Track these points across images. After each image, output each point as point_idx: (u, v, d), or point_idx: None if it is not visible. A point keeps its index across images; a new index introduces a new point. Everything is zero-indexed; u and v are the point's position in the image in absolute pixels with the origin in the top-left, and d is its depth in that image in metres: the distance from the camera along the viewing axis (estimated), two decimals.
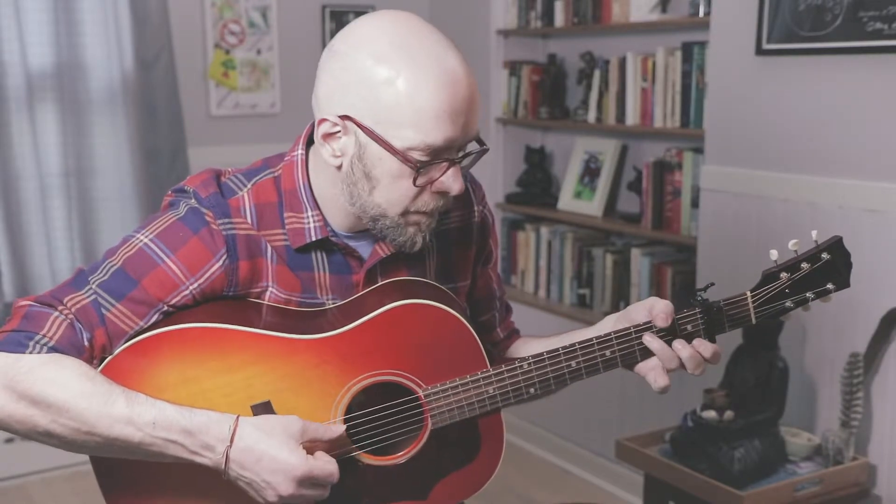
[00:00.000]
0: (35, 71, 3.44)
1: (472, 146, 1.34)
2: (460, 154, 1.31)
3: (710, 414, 2.63)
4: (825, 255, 1.36)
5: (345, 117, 1.28)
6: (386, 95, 1.24)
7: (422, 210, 1.32)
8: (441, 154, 1.28)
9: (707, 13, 3.07)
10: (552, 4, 3.70)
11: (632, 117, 3.42)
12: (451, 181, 1.30)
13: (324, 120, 1.30)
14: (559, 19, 3.67)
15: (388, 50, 1.24)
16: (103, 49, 3.51)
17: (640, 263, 3.39)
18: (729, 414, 2.61)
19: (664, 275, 3.30)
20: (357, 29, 1.28)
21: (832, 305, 2.63)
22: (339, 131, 1.30)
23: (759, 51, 2.78)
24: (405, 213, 1.32)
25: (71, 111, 3.50)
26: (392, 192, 1.30)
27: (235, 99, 3.91)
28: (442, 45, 1.27)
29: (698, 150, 3.16)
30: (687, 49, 3.16)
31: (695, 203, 3.15)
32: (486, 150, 1.35)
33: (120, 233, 3.28)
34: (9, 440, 3.57)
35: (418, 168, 1.27)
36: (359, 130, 1.27)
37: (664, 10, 3.31)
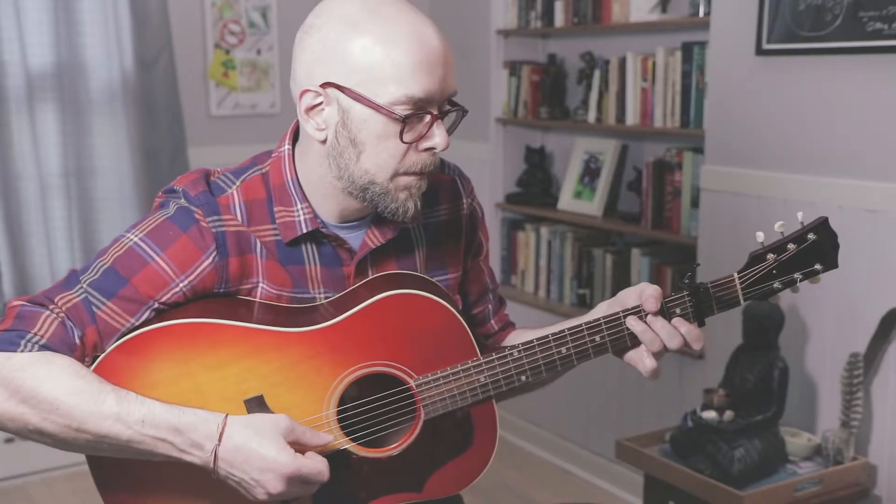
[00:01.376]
0: (35, 71, 3.44)
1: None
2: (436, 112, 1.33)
3: (710, 414, 2.63)
4: (811, 236, 1.37)
5: (326, 84, 1.29)
6: (363, 56, 1.26)
7: (411, 170, 1.32)
8: (423, 107, 1.29)
9: (707, 13, 3.07)
10: (552, 4, 3.70)
11: (632, 117, 3.42)
12: (435, 135, 1.31)
13: (305, 92, 1.31)
14: (559, 19, 3.67)
15: (359, 15, 1.27)
16: (103, 49, 3.51)
17: (640, 263, 3.39)
18: (729, 414, 2.61)
19: (664, 275, 3.30)
20: (326, 3, 1.32)
21: (832, 305, 2.65)
22: (322, 102, 1.31)
23: (759, 51, 2.78)
24: (394, 175, 1.32)
25: (71, 111, 3.51)
26: (379, 153, 1.30)
27: (235, 99, 3.92)
28: (408, 6, 1.31)
29: (698, 150, 3.16)
30: (687, 49, 3.16)
31: (695, 203, 3.15)
32: (466, 112, 1.37)
33: (120, 232, 3.28)
34: (9, 440, 3.57)
35: (404, 119, 1.28)
36: (341, 95, 1.29)
37: (664, 10, 3.31)
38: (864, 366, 2.55)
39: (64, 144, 3.51)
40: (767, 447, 2.55)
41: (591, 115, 3.59)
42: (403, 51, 1.26)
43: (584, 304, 3.64)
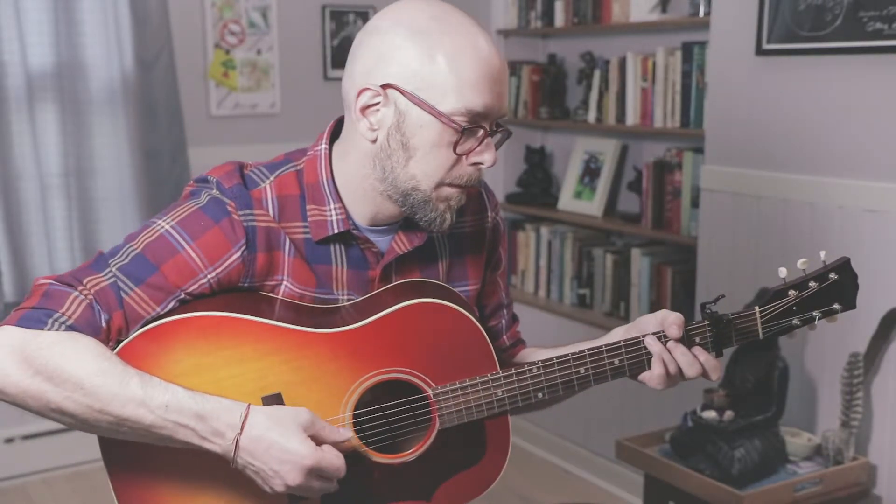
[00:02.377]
0: (35, 71, 3.43)
1: None
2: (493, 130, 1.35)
3: (710, 414, 2.63)
4: (833, 276, 1.39)
5: (386, 86, 1.30)
6: (427, 64, 1.28)
7: (456, 183, 1.34)
8: (478, 122, 1.31)
9: (707, 13, 3.07)
10: (552, 4, 3.70)
11: (632, 117, 3.42)
12: (485, 151, 1.33)
13: (365, 90, 1.32)
14: (559, 19, 3.67)
15: (427, 24, 1.29)
16: (103, 49, 3.51)
17: (640, 263, 3.39)
18: (729, 414, 2.61)
19: (664, 275, 3.30)
20: (394, 8, 1.34)
21: None
22: (379, 102, 1.32)
23: (759, 51, 2.78)
24: (439, 185, 1.34)
25: (71, 111, 3.50)
26: (429, 161, 1.32)
27: (235, 99, 3.91)
28: (472, 21, 1.34)
29: (698, 150, 3.16)
30: (687, 49, 3.16)
31: (695, 203, 3.15)
32: (511, 134, 1.39)
33: (120, 232, 3.28)
34: (8, 440, 3.57)
35: (462, 130, 1.30)
36: (400, 97, 1.30)
37: (664, 10, 3.31)
38: (864, 366, 2.55)
39: (64, 144, 3.51)
40: (767, 447, 2.56)
41: (591, 115, 3.60)
42: (469, 64, 1.28)
43: (584, 305, 3.64)
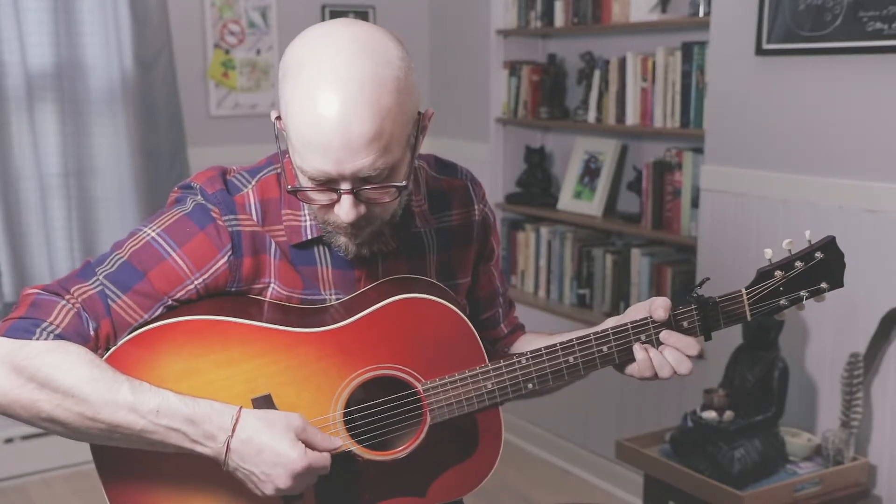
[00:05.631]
0: (35, 71, 3.44)
1: None
2: (347, 187, 1.23)
3: (710, 414, 2.63)
4: (819, 255, 1.38)
5: (278, 118, 1.30)
6: (285, 110, 1.24)
7: (335, 223, 1.29)
8: (324, 182, 1.24)
9: (707, 13, 3.07)
10: (552, 4, 3.70)
11: (632, 117, 3.42)
12: (338, 209, 1.26)
13: (276, 117, 1.31)
14: (559, 19, 3.67)
15: (291, 66, 1.23)
16: (103, 49, 3.51)
17: (640, 263, 3.39)
18: (729, 414, 2.61)
19: (664, 275, 3.30)
20: (298, 35, 1.27)
21: (832, 305, 2.64)
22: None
23: (759, 51, 2.78)
24: (325, 222, 1.31)
25: (71, 111, 3.50)
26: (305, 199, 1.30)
27: (235, 99, 3.91)
28: (338, 74, 1.19)
29: (698, 150, 3.16)
30: (687, 49, 3.16)
31: (695, 203, 3.15)
32: (400, 187, 1.27)
33: (120, 233, 3.27)
34: (8, 440, 3.56)
35: (288, 190, 1.28)
36: (281, 133, 1.30)
37: (664, 10, 3.31)
38: (864, 366, 2.55)
39: (64, 144, 3.51)
40: (767, 447, 2.56)
41: (591, 115, 3.59)
42: (297, 124, 1.21)
43: (584, 305, 3.64)
